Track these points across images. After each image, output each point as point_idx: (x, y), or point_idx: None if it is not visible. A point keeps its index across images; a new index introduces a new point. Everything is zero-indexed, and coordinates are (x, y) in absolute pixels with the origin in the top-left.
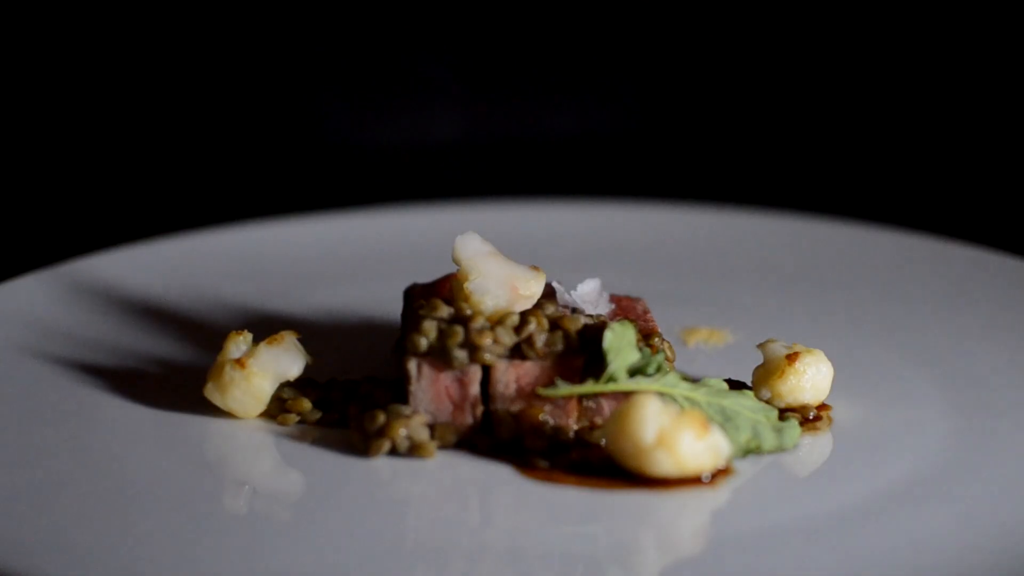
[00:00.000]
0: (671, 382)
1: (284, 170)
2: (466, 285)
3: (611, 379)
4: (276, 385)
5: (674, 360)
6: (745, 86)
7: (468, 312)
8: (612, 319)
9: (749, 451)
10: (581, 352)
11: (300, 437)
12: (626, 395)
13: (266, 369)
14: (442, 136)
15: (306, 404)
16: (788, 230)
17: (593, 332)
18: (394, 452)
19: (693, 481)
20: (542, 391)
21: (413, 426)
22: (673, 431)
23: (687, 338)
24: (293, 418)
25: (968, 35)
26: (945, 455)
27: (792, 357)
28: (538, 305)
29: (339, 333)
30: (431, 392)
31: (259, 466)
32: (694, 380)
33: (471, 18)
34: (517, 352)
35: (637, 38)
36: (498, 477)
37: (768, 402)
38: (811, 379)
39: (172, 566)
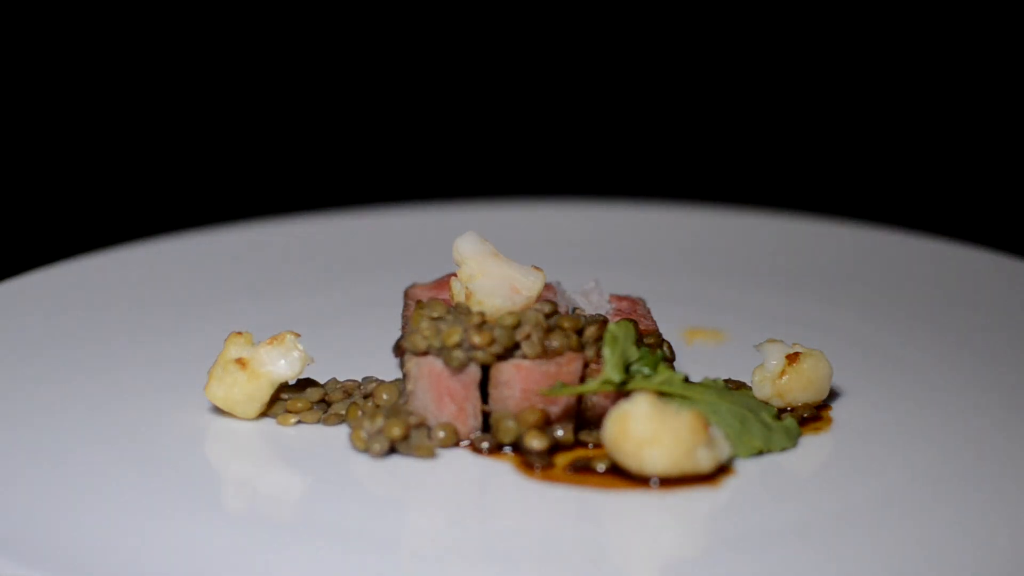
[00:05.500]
0: (671, 382)
1: (284, 170)
2: (466, 285)
3: (610, 379)
4: (276, 385)
5: (674, 360)
6: (746, 86)
7: (468, 312)
8: (612, 319)
9: (749, 451)
10: (581, 352)
11: (300, 437)
12: (625, 395)
13: (266, 369)
14: (442, 136)
15: (306, 404)
16: (788, 230)
17: (593, 332)
18: (394, 452)
19: (693, 481)
20: (542, 391)
21: (413, 426)
22: (672, 431)
23: (687, 338)
24: (293, 418)
25: (968, 35)
26: (945, 455)
27: (792, 357)
28: (538, 305)
29: (339, 333)
30: (431, 392)
31: (259, 466)
32: (694, 380)
33: (472, 19)
34: (517, 352)
35: (638, 38)
36: (498, 477)
37: (768, 402)
38: (811, 379)
39: (172, 566)
